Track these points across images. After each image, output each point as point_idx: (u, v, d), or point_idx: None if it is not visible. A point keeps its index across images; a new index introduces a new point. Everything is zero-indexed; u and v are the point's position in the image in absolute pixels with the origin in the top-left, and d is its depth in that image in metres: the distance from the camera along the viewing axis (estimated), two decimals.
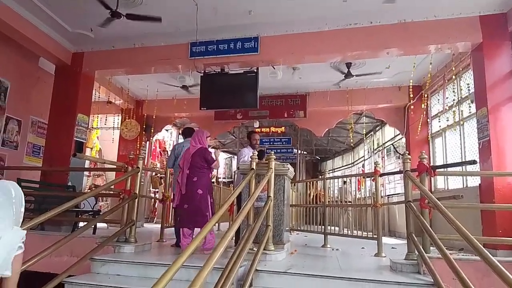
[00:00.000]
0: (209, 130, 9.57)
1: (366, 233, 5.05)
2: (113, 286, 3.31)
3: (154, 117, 9.16)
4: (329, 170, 18.12)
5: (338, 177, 7.26)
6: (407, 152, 3.94)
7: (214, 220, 2.70)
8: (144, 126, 9.46)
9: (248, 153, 4.96)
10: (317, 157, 18.01)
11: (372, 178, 4.98)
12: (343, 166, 16.21)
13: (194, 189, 4.28)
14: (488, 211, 4.72)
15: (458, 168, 5.04)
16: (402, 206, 8.39)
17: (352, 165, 14.83)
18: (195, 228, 4.32)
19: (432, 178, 7.01)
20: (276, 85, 8.17)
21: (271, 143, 13.45)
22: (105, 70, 7.27)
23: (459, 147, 6.39)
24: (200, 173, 4.38)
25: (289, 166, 4.52)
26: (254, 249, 3.66)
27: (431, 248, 3.52)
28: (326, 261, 4.15)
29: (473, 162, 3.29)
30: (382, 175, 4.97)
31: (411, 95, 6.89)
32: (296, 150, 13.07)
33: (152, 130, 9.42)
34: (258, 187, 3.81)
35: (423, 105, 7.14)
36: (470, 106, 5.62)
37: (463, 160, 5.76)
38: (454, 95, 6.25)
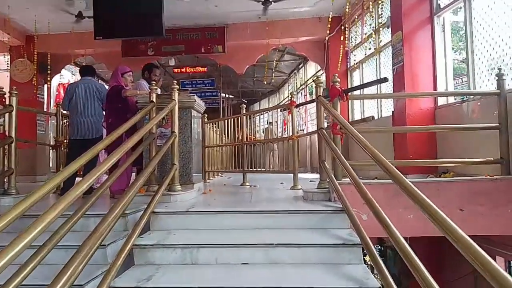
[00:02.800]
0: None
1: (284, 168, 4.87)
2: None
3: (48, 54, 7.84)
4: (255, 113, 17.94)
5: (255, 112, 6.94)
6: (319, 78, 3.64)
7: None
8: (38, 66, 8.08)
9: (146, 85, 4.34)
10: (244, 100, 17.62)
11: (288, 110, 4.70)
12: (268, 108, 16.10)
13: (110, 131, 3.89)
14: (400, 137, 4.76)
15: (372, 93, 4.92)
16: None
17: (278, 106, 14.76)
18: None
19: (350, 111, 7.03)
20: (190, 15, 7.33)
21: (194, 85, 12.67)
22: None
23: (375, 78, 6.36)
24: (114, 114, 4.05)
25: (196, 97, 4.00)
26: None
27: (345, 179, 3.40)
28: (238, 197, 3.89)
29: (384, 79, 3.10)
30: (297, 106, 4.72)
31: (329, 26, 6.55)
32: (220, 92, 12.47)
33: (49, 71, 8.09)
34: (154, 118, 3.30)
35: (342, 37, 6.93)
36: (384, 34, 5.48)
37: (378, 88, 5.74)
38: (372, 23, 6.07)
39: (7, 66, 8.40)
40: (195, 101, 3.95)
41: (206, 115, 6.74)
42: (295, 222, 2.75)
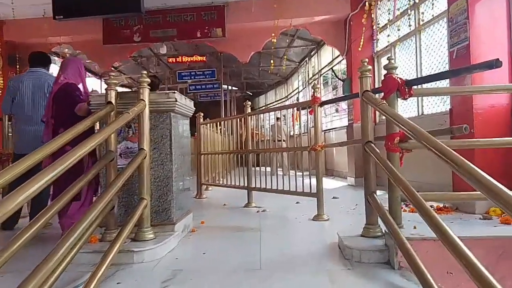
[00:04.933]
0: (99, 59, 7.31)
1: (302, 188, 3.59)
2: None
3: (16, 43, 6.64)
4: (261, 107, 16.65)
5: (264, 111, 5.67)
6: (367, 63, 2.36)
7: None
8: (6, 58, 6.90)
9: None
10: (249, 92, 16.29)
11: (310, 109, 3.43)
12: (276, 101, 14.77)
13: (62, 147, 2.63)
14: (464, 152, 3.39)
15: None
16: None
17: (286, 98, 13.42)
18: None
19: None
20: None
21: (192, 77, 11.38)
22: None
23: (414, 64, 5.05)
24: (67, 123, 2.65)
25: (178, 95, 2.73)
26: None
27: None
28: (241, 246, 2.61)
29: (496, 63, 1.82)
30: (323, 103, 3.43)
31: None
32: (221, 84, 11.12)
33: (18, 64, 6.88)
34: (108, 127, 2.07)
35: (371, 14, 5.60)
36: (432, 4, 4.15)
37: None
38: None
39: None
40: (176, 101, 2.69)
41: (202, 114, 5.53)
42: None
